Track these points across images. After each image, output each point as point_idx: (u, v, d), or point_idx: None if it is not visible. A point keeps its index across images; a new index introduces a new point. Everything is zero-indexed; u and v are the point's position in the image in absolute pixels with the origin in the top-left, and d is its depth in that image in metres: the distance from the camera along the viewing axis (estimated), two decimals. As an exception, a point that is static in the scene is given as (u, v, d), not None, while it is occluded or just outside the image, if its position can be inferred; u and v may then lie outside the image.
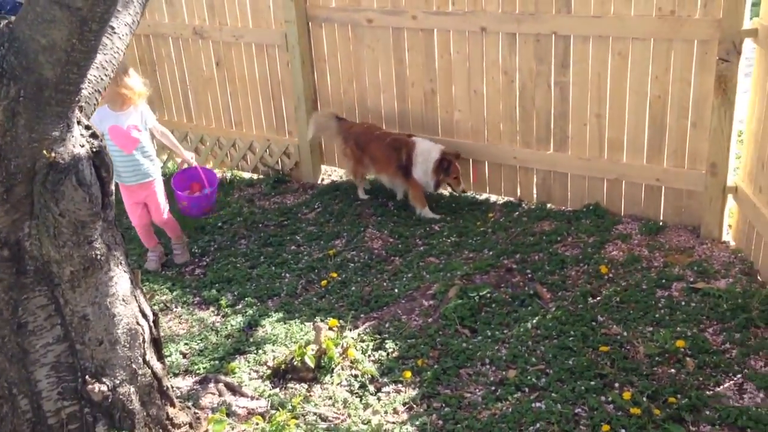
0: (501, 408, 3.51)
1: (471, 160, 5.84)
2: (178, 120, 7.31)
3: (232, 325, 4.45)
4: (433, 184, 5.65)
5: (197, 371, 4.03)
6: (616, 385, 3.58)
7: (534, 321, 4.17)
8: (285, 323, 4.41)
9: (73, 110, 2.64)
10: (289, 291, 4.79)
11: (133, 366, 3.03)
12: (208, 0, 6.62)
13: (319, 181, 6.69)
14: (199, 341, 4.34)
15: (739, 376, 3.59)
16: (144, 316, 3.09)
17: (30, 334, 2.80)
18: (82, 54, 2.47)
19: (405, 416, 3.54)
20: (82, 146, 2.71)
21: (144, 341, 3.07)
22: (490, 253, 5.00)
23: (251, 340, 4.28)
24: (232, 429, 3.45)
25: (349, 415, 3.57)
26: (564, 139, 5.42)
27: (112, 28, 2.79)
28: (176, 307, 4.79)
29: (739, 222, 4.81)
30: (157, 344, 3.22)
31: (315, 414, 3.58)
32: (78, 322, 2.85)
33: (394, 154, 5.73)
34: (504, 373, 3.78)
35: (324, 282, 4.86)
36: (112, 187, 2.86)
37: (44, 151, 2.58)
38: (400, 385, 3.77)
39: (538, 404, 3.50)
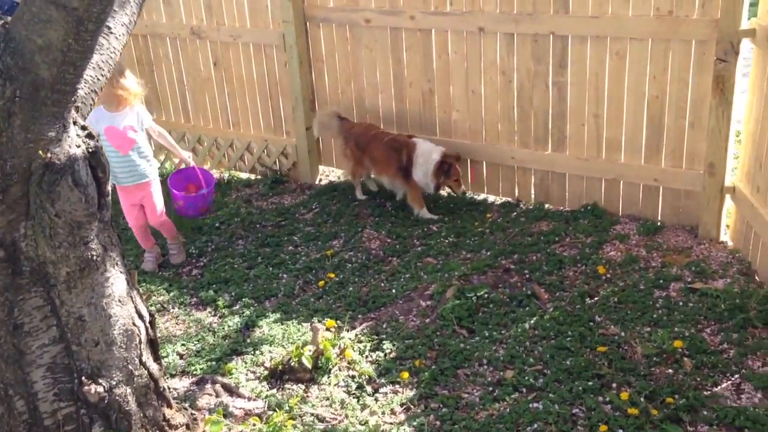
0: (498, 408, 3.51)
1: (469, 161, 5.84)
2: (175, 120, 7.31)
3: (229, 326, 4.45)
4: (433, 186, 5.64)
5: (194, 372, 4.02)
6: (614, 385, 3.58)
7: (532, 321, 4.17)
8: (282, 324, 4.40)
9: (69, 110, 2.63)
10: (286, 292, 4.78)
11: (130, 367, 3.02)
12: (205, 0, 6.61)
13: (316, 182, 6.69)
14: (196, 342, 4.33)
15: (736, 376, 3.59)
16: (140, 317, 3.08)
17: (26, 335, 2.79)
18: (79, 54, 2.46)
19: (402, 417, 3.54)
20: (78, 147, 2.70)
21: (140, 342, 3.06)
22: (488, 253, 5.00)
23: (248, 340, 4.27)
24: (229, 430, 3.45)
25: (347, 416, 3.56)
26: (562, 140, 5.42)
27: (109, 28, 2.79)
28: (173, 307, 4.78)
29: (737, 222, 4.81)
30: (154, 345, 3.21)
31: (312, 415, 3.57)
32: (74, 323, 2.84)
33: (394, 155, 5.71)
34: (501, 373, 3.77)
35: (321, 282, 4.86)
36: (109, 188, 2.85)
37: (40, 152, 2.57)
38: (397, 386, 3.76)
39: (535, 404, 3.50)
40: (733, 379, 3.58)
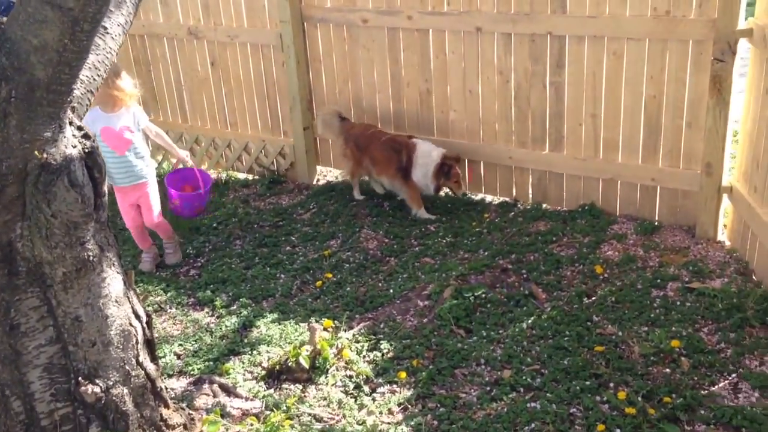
0: (496, 408, 3.51)
1: (466, 161, 5.84)
2: (173, 120, 7.30)
3: (226, 326, 4.44)
4: (433, 187, 5.63)
5: (191, 372, 4.02)
6: (611, 384, 3.58)
7: (529, 321, 4.17)
8: (280, 324, 4.40)
9: (65, 111, 2.62)
10: (284, 292, 4.78)
11: (127, 367, 3.02)
12: (202, 0, 6.60)
13: (314, 182, 6.69)
14: (194, 342, 4.33)
15: (734, 375, 3.60)
16: (137, 317, 3.08)
17: (22, 336, 2.79)
18: (74, 54, 2.45)
19: (400, 417, 3.54)
20: (74, 147, 2.70)
21: (137, 342, 3.06)
22: (486, 253, 5.00)
23: (246, 341, 4.27)
24: (227, 430, 3.44)
25: (344, 416, 3.56)
26: (559, 139, 5.42)
27: (105, 28, 2.79)
28: (170, 308, 4.78)
29: (734, 222, 4.81)
30: (151, 345, 3.21)
31: (310, 415, 3.57)
32: (71, 324, 2.84)
33: (394, 156, 5.71)
34: (499, 373, 3.77)
35: (319, 283, 4.85)
36: (105, 188, 2.85)
37: (36, 152, 2.57)
38: (395, 386, 3.76)
39: (533, 404, 3.50)
40: (730, 378, 3.58)
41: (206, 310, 4.71)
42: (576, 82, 5.20)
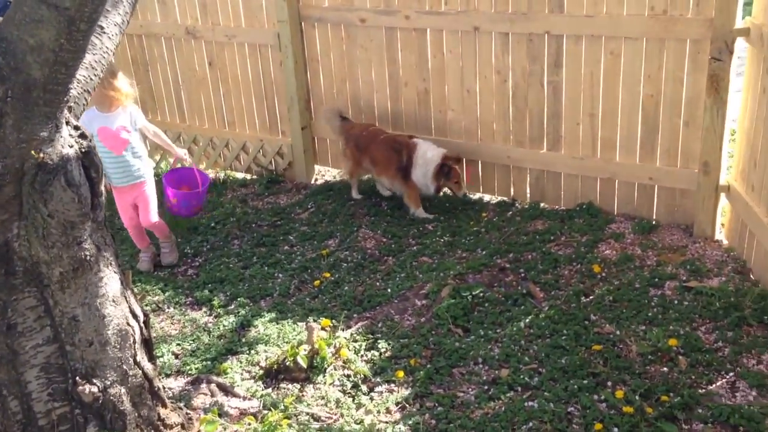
0: (494, 407, 3.51)
1: (464, 160, 5.83)
2: (171, 120, 7.30)
3: (224, 326, 4.44)
4: (433, 188, 5.62)
5: (189, 372, 4.02)
6: (609, 383, 3.58)
7: (527, 320, 4.17)
8: (277, 323, 4.40)
9: (62, 110, 2.62)
10: (281, 291, 4.78)
11: (124, 367, 3.02)
12: (200, 0, 6.60)
13: (312, 181, 6.69)
14: (192, 342, 4.33)
15: (731, 374, 3.60)
16: (134, 316, 3.08)
17: (19, 336, 2.78)
18: (71, 54, 2.45)
19: (398, 416, 3.54)
20: (71, 147, 2.70)
21: (134, 342, 3.06)
22: (483, 252, 5.00)
23: (243, 340, 4.27)
24: (224, 429, 3.44)
25: (342, 415, 3.56)
26: (557, 139, 5.42)
27: (101, 27, 2.78)
28: (168, 307, 4.78)
29: (732, 220, 4.82)
30: (148, 345, 3.21)
31: (307, 414, 3.57)
32: (68, 323, 2.84)
33: (395, 156, 5.70)
34: (497, 372, 3.77)
35: (317, 282, 4.86)
36: (102, 188, 2.85)
37: (33, 152, 2.57)
38: (392, 385, 3.76)
39: (530, 403, 3.50)
40: (727, 377, 3.59)
41: (204, 309, 4.71)
42: (574, 82, 5.20)
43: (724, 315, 4.01)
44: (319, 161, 6.75)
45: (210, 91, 6.93)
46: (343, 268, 5.01)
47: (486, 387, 3.67)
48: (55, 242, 2.72)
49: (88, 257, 2.82)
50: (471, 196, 5.94)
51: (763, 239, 4.19)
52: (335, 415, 3.58)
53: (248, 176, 6.98)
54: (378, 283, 4.79)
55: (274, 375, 3.90)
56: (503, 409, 3.47)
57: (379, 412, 3.56)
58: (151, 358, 3.23)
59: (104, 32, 2.79)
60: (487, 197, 5.92)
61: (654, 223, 5.13)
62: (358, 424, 3.48)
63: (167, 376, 4.01)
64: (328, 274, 4.92)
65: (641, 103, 5.00)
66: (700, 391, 3.48)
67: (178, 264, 5.35)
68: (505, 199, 5.82)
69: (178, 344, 4.31)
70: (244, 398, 3.74)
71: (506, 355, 3.88)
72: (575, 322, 4.09)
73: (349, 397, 3.71)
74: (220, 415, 3.52)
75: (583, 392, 3.52)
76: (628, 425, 3.27)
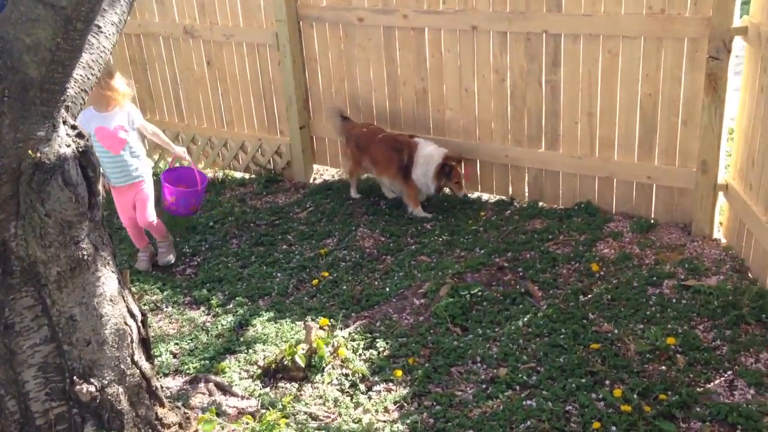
0: (492, 406, 3.51)
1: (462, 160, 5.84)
2: (169, 120, 7.30)
3: (222, 325, 4.44)
4: (434, 187, 5.61)
5: (187, 371, 4.02)
6: (607, 382, 3.58)
7: (525, 319, 4.17)
8: (276, 322, 4.40)
9: (59, 110, 2.62)
10: (280, 290, 4.78)
11: (122, 366, 3.02)
12: (198, -1, 6.61)
13: (311, 181, 6.69)
14: (190, 341, 4.33)
15: (729, 372, 3.60)
16: (132, 316, 3.08)
17: (17, 335, 2.78)
18: (67, 53, 2.46)
19: (396, 415, 3.54)
20: (68, 146, 2.70)
21: (132, 341, 3.06)
22: (482, 251, 5.00)
23: (242, 339, 4.27)
24: (222, 429, 3.44)
25: (340, 414, 3.56)
26: (555, 138, 5.42)
27: (98, 27, 2.78)
28: (167, 306, 4.78)
29: (730, 219, 4.82)
30: (146, 344, 3.21)
31: (305, 413, 3.57)
32: (65, 323, 2.84)
33: (395, 155, 5.69)
34: (495, 371, 3.77)
35: (315, 281, 4.85)
36: (99, 187, 2.85)
37: (30, 151, 2.57)
38: (390, 384, 3.76)
39: (529, 402, 3.50)
40: (726, 375, 3.59)
41: (202, 308, 4.71)
42: (572, 81, 5.20)
43: (722, 313, 4.01)
44: (317, 160, 6.75)
45: (208, 91, 6.93)
46: (342, 267, 5.01)
47: (484, 386, 3.67)
48: (53, 242, 2.72)
49: (85, 257, 2.82)
50: (469, 195, 5.93)
51: (761, 238, 4.19)
52: (333, 414, 3.58)
53: (247, 176, 6.98)
54: (376, 283, 4.79)
55: (272, 374, 3.90)
56: (501, 407, 3.47)
57: (377, 411, 3.56)
58: (149, 358, 3.23)
59: (101, 31, 2.80)
60: (485, 196, 5.92)
61: (652, 221, 5.13)
62: (356, 423, 3.48)
63: (165, 375, 4.01)
64: (326, 274, 4.92)
65: (639, 102, 5.00)
66: (698, 389, 3.48)
67: (177, 263, 5.35)
68: (504, 198, 5.82)
69: (176, 343, 4.31)
70: (242, 397, 3.74)
71: (504, 353, 3.88)
72: (573, 320, 4.10)
73: (347, 396, 3.70)
74: (218, 415, 3.51)
75: (582, 391, 3.52)
76: (627, 424, 3.27)
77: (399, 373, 3.80)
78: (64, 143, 2.68)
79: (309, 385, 3.80)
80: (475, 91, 5.63)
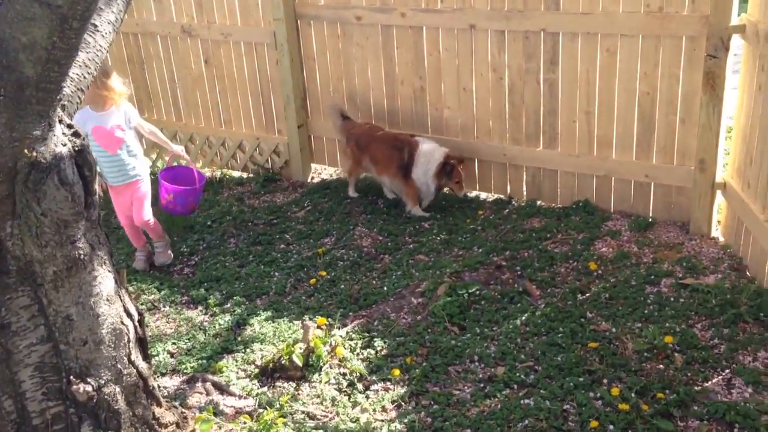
0: (490, 405, 3.50)
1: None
2: (167, 119, 7.29)
3: (220, 324, 4.44)
4: (434, 187, 5.59)
5: (185, 370, 4.01)
6: (605, 381, 3.58)
7: (523, 318, 4.17)
8: (273, 322, 4.39)
9: (55, 109, 2.61)
10: (277, 290, 4.78)
11: (118, 366, 3.01)
12: (196, -2, 6.60)
13: (309, 180, 6.68)
14: (187, 340, 4.32)
15: (727, 371, 3.60)
16: (129, 315, 3.07)
17: (13, 335, 2.78)
18: (63, 52, 2.44)
19: (393, 414, 3.54)
20: (64, 145, 2.69)
21: (129, 341, 3.05)
22: (480, 250, 5.00)
23: (239, 339, 4.26)
24: (220, 428, 3.44)
25: (338, 414, 3.56)
26: (553, 136, 5.42)
27: (95, 26, 2.78)
28: (164, 306, 4.77)
29: (728, 218, 4.81)
30: (143, 344, 3.20)
31: (303, 412, 3.56)
32: (62, 323, 2.83)
33: (396, 153, 5.68)
34: (493, 370, 3.77)
35: (313, 280, 4.85)
36: (96, 187, 2.84)
37: (25, 151, 2.56)
38: (388, 383, 3.76)
39: (526, 401, 3.49)
40: (723, 374, 3.58)
41: (200, 308, 4.70)
42: (570, 79, 5.20)
43: (720, 312, 4.01)
44: (315, 160, 6.74)
45: (206, 90, 6.93)
46: (339, 266, 5.01)
47: (482, 385, 3.67)
48: (49, 241, 2.71)
49: (81, 256, 2.81)
50: (467, 193, 5.93)
51: (759, 236, 4.19)
52: (331, 413, 3.57)
53: (245, 175, 6.97)
54: (374, 282, 4.78)
55: (269, 374, 3.90)
56: (499, 407, 3.47)
57: (374, 410, 3.56)
58: (146, 357, 3.22)
59: (97, 30, 2.79)
60: (483, 195, 5.92)
61: (650, 220, 5.13)
62: (353, 422, 3.48)
63: (163, 375, 4.00)
64: (324, 273, 4.92)
65: (637, 101, 4.99)
66: (696, 388, 3.48)
67: (174, 263, 5.34)
68: (502, 196, 5.81)
69: (174, 343, 4.30)
70: (240, 397, 3.74)
71: (502, 352, 3.88)
72: (571, 319, 4.09)
73: (344, 395, 3.70)
74: (215, 414, 3.51)
75: (579, 390, 3.52)
76: (624, 422, 3.27)
77: (397, 372, 3.80)
78: (60, 142, 2.67)
79: (306, 384, 3.80)
80: (473, 90, 5.63)
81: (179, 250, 5.49)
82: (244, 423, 3.44)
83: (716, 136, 4.67)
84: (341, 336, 4.09)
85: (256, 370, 3.94)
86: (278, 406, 3.58)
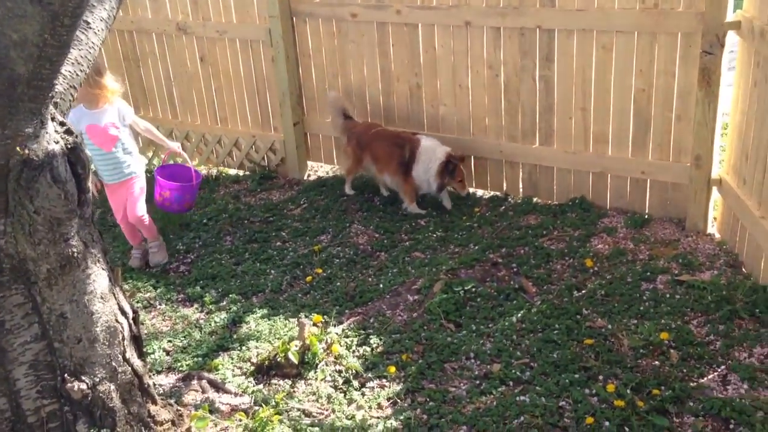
0: (485, 402, 3.50)
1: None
2: (163, 116, 7.27)
3: (215, 322, 4.43)
4: (436, 186, 5.56)
5: (180, 368, 4.01)
6: (601, 377, 3.58)
7: (519, 315, 4.17)
8: (269, 319, 4.39)
9: (47, 106, 2.60)
10: (273, 287, 4.77)
11: (113, 364, 3.00)
12: (191, -5, 6.59)
13: (305, 177, 6.67)
14: (183, 338, 4.32)
15: (722, 367, 3.60)
16: (123, 313, 3.07)
17: (7, 333, 2.77)
18: (55, 49, 2.43)
19: (389, 411, 3.53)
20: (57, 143, 2.68)
21: (123, 339, 3.05)
22: (476, 247, 4.99)
23: (235, 336, 4.26)
24: (215, 426, 3.44)
25: (333, 411, 3.55)
26: (549, 133, 5.42)
27: (87, 23, 2.77)
28: (160, 304, 4.76)
29: (724, 214, 4.82)
30: (138, 341, 3.20)
31: (299, 410, 3.56)
32: (56, 320, 2.82)
33: (397, 151, 5.65)
34: (488, 367, 3.77)
35: (309, 278, 4.84)
36: (89, 184, 2.83)
37: (18, 148, 2.55)
38: (384, 380, 3.75)
39: (522, 398, 3.50)
40: (719, 370, 3.59)
41: (195, 306, 4.70)
42: (565, 76, 5.19)
43: (715, 308, 4.01)
44: (311, 157, 6.73)
45: (202, 87, 6.91)
46: (336, 263, 5.00)
47: (478, 382, 3.67)
48: (42, 239, 2.70)
49: (75, 254, 2.81)
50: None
51: (755, 232, 4.19)
52: (326, 410, 3.57)
53: (241, 172, 6.96)
54: (370, 279, 4.78)
55: (265, 371, 3.89)
56: (495, 403, 3.47)
57: (370, 407, 3.56)
58: (141, 355, 3.22)
59: (90, 27, 2.78)
60: (479, 192, 5.92)
61: (646, 217, 5.13)
62: (349, 419, 3.48)
63: (158, 372, 4.00)
64: (320, 270, 4.91)
65: (633, 97, 4.99)
66: (691, 384, 3.48)
67: (170, 260, 5.33)
68: (498, 193, 5.81)
69: (170, 341, 4.30)
70: (235, 394, 3.74)
71: (498, 349, 3.88)
72: (567, 316, 4.09)
73: (340, 392, 3.70)
74: (210, 412, 3.51)
75: (575, 386, 3.52)
76: (620, 419, 3.27)
77: (392, 369, 3.79)
78: (52, 140, 2.66)
79: (302, 381, 3.80)
80: (469, 87, 5.62)
81: (175, 248, 5.48)
82: (240, 420, 3.44)
83: (712, 132, 4.67)
84: (337, 333, 4.09)
85: (252, 368, 3.94)
86: (274, 403, 3.58)
